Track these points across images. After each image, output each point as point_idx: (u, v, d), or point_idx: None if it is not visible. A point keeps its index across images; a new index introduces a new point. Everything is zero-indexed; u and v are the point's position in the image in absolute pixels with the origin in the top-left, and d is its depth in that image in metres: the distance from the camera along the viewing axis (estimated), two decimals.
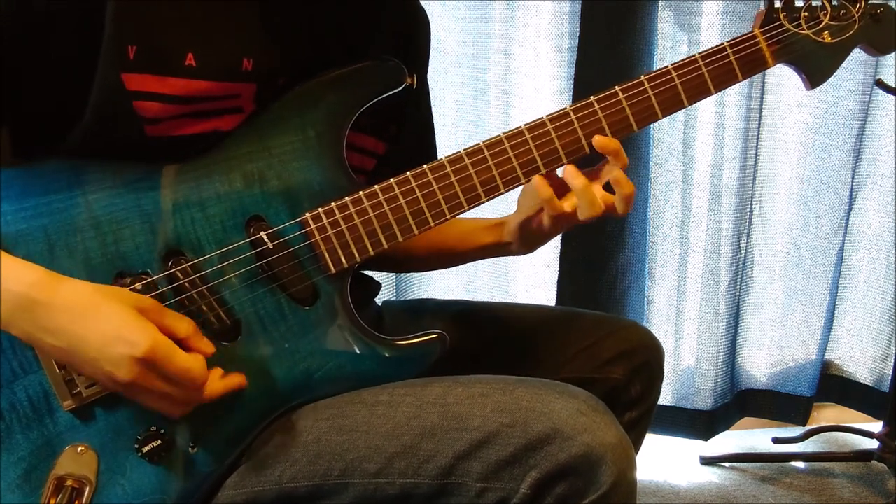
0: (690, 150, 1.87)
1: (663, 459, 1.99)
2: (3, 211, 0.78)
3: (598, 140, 0.92)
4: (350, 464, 0.82)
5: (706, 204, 1.90)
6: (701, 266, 1.94)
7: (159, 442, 0.81)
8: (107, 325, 0.73)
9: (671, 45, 1.82)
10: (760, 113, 1.91)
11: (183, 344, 0.77)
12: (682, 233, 1.92)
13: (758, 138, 1.93)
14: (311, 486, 0.83)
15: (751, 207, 1.97)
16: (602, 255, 1.89)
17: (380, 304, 1.22)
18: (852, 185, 1.99)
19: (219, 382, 0.80)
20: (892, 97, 1.77)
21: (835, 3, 0.99)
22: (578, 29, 1.74)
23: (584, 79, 1.75)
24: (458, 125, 1.79)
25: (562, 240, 1.85)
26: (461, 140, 1.79)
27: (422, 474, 0.81)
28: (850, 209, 2.02)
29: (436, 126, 1.75)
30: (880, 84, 1.71)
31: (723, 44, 0.96)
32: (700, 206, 1.91)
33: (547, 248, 1.84)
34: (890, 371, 2.03)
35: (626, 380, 1.08)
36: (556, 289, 1.87)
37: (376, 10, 1.00)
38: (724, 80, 0.96)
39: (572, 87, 1.77)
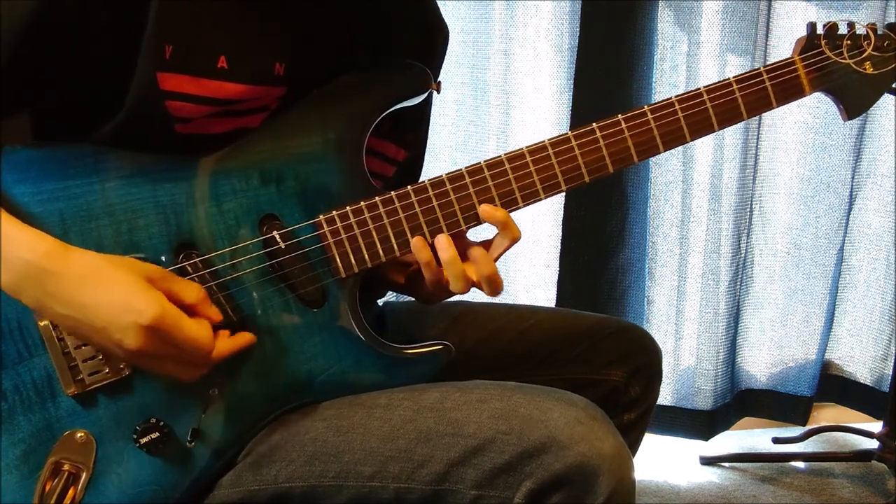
0: (690, 150, 1.87)
1: (663, 459, 1.99)
2: (20, 192, 0.78)
3: (484, 209, 0.88)
4: (345, 466, 0.83)
5: (706, 204, 1.90)
6: (701, 266, 1.93)
7: (158, 434, 0.81)
8: (115, 293, 0.73)
9: (671, 45, 1.82)
10: None
11: (191, 310, 0.78)
12: (682, 233, 1.92)
13: (758, 138, 1.93)
14: (306, 486, 0.84)
15: (751, 207, 1.97)
16: (602, 255, 1.89)
17: (381, 304, 1.22)
18: (852, 185, 1.99)
19: (227, 341, 0.81)
20: (892, 97, 1.77)
21: (880, 32, 0.97)
22: (578, 29, 1.74)
23: (584, 79, 1.75)
24: (458, 125, 1.79)
25: (562, 240, 1.85)
26: (461, 140, 1.79)
27: (416, 479, 0.81)
28: (850, 209, 2.02)
29: (436, 126, 1.76)
30: None
31: (759, 69, 0.94)
32: (700, 206, 1.91)
33: (547, 248, 1.87)
34: (890, 371, 2.03)
35: (626, 381, 1.09)
36: (556, 289, 1.87)
37: (397, 16, 1.00)
38: (757, 106, 0.94)
39: (572, 87, 1.77)
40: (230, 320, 0.84)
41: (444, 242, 0.88)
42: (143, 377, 0.82)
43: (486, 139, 1.80)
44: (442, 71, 1.75)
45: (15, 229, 0.74)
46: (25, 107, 0.81)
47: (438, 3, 1.07)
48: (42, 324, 0.79)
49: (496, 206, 0.89)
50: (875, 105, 2.06)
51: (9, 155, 0.79)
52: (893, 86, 1.02)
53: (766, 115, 1.93)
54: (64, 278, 0.73)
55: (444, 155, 1.79)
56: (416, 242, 0.88)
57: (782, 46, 1.85)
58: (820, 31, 0.97)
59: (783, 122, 1.94)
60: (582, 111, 1.75)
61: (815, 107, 1.92)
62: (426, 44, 1.05)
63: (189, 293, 0.78)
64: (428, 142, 1.14)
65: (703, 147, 1.87)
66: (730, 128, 1.89)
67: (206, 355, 0.78)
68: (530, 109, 1.80)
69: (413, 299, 1.03)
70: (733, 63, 1.82)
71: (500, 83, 1.77)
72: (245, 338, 0.83)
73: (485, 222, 0.90)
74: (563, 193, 1.77)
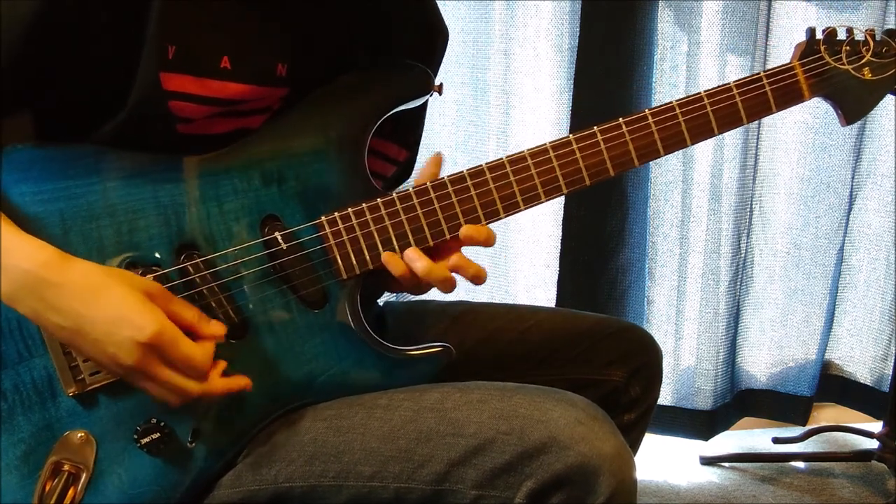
0: (690, 150, 1.87)
1: (663, 459, 1.99)
2: (20, 192, 0.78)
3: (465, 231, 0.88)
4: (345, 466, 0.83)
5: (706, 204, 1.90)
6: (701, 266, 1.93)
7: (159, 434, 0.81)
8: (113, 307, 0.73)
9: (671, 45, 1.82)
10: None
11: (189, 331, 0.77)
12: (682, 233, 1.92)
13: (758, 138, 1.93)
14: (306, 486, 0.84)
15: (751, 207, 1.97)
16: (602, 255, 1.89)
17: (381, 304, 1.22)
18: (852, 185, 1.99)
19: (220, 381, 0.80)
20: (892, 97, 1.77)
21: (878, 38, 0.97)
22: (578, 29, 1.74)
23: (584, 79, 1.75)
24: (458, 125, 1.79)
25: (562, 240, 1.85)
26: (461, 140, 1.79)
27: (416, 479, 0.81)
28: (850, 209, 2.02)
29: (436, 126, 1.76)
30: None
31: (759, 73, 0.95)
32: (700, 206, 1.91)
33: (547, 248, 1.87)
34: (890, 371, 2.03)
35: (626, 381, 1.09)
36: (556, 289, 1.87)
37: (397, 16, 1.00)
38: (757, 110, 0.95)
39: (572, 87, 1.77)
40: (231, 321, 0.84)
41: (413, 255, 0.88)
42: None
43: (486, 139, 1.79)
44: (442, 71, 1.76)
45: (14, 238, 0.74)
46: (26, 107, 0.81)
47: (438, 3, 1.07)
48: None
49: (498, 207, 0.90)
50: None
51: (10, 154, 0.79)
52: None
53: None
54: (62, 289, 0.73)
55: (444, 155, 1.78)
56: (386, 258, 0.88)
57: (782, 47, 1.85)
58: (819, 36, 0.97)
59: (783, 122, 1.94)
60: (582, 111, 1.76)
61: (815, 107, 1.92)
62: (426, 44, 1.05)
63: (187, 313, 0.78)
64: (428, 142, 1.14)
65: (703, 147, 1.87)
66: None
67: (200, 377, 0.77)
68: (530, 109, 1.80)
69: (414, 298, 1.03)
70: (733, 63, 1.82)
71: (500, 83, 1.77)
72: (240, 382, 0.82)
73: (488, 222, 0.90)
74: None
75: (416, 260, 0.87)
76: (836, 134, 1.94)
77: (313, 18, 0.89)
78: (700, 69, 1.80)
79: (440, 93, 0.96)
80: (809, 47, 0.97)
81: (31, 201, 0.79)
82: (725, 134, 1.84)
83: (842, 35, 0.97)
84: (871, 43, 0.97)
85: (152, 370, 0.74)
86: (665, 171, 1.89)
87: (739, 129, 1.87)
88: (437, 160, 0.91)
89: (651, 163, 1.86)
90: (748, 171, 1.92)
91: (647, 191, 1.88)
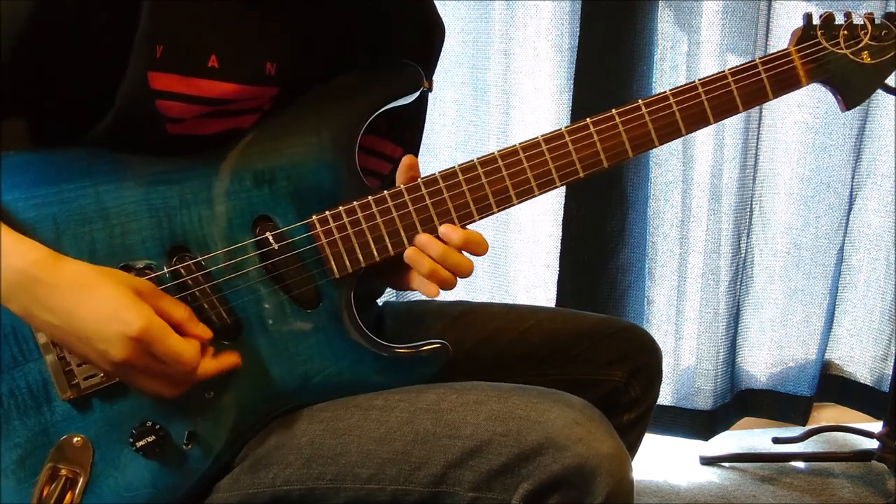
0: (690, 150, 1.87)
1: (663, 459, 1.99)
2: (13, 197, 0.78)
3: (444, 229, 0.88)
4: (342, 468, 0.82)
5: (706, 204, 1.90)
6: (701, 266, 1.93)
7: (154, 437, 0.81)
8: (103, 303, 0.73)
9: (671, 45, 1.82)
10: (760, 113, 1.91)
11: (178, 328, 0.77)
12: (682, 233, 1.92)
13: (758, 138, 1.93)
14: (304, 489, 0.84)
15: (751, 207, 1.97)
16: (602, 255, 1.89)
17: (380, 304, 1.22)
18: (852, 185, 1.99)
19: (212, 361, 0.81)
20: (892, 97, 1.77)
21: (877, 22, 0.96)
22: (578, 29, 1.74)
23: (584, 78, 1.75)
24: (458, 125, 1.79)
25: (562, 240, 1.85)
26: (461, 140, 1.79)
27: (413, 481, 0.80)
28: (850, 209, 2.02)
29: (436, 126, 1.76)
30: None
31: (755, 60, 0.94)
32: (700, 206, 1.91)
33: (547, 248, 1.87)
34: (890, 371, 2.03)
35: (626, 381, 1.08)
36: (556, 289, 1.87)
37: (397, 16, 1.00)
38: (753, 98, 0.94)
39: (572, 87, 1.76)
40: (224, 322, 0.84)
41: (424, 240, 0.87)
42: None
43: (486, 139, 1.79)
44: (442, 71, 1.76)
45: (7, 238, 0.74)
46: (21, 108, 0.81)
47: (438, 3, 1.07)
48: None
49: (491, 202, 0.89)
50: (875, 105, 2.06)
51: (3, 160, 0.79)
52: (892, 85, 1.01)
53: (766, 115, 1.93)
54: (54, 287, 0.73)
55: (444, 155, 1.78)
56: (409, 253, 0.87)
57: (782, 46, 1.84)
58: (816, 21, 0.96)
59: (783, 122, 1.94)
60: (582, 111, 1.75)
61: (815, 107, 1.92)
62: (425, 43, 1.05)
63: (177, 311, 0.78)
64: (428, 142, 1.14)
65: (703, 147, 1.87)
66: (730, 128, 1.91)
67: (190, 372, 0.77)
68: (530, 109, 1.80)
69: (414, 298, 1.03)
70: (733, 63, 1.81)
71: (500, 83, 1.77)
72: (230, 359, 0.83)
73: (478, 219, 0.90)
74: (564, 194, 1.80)
75: (432, 245, 0.87)
76: (836, 134, 1.93)
77: (311, 18, 0.89)
78: (700, 69, 1.80)
79: (430, 89, 0.96)
80: (806, 33, 0.96)
81: (23, 206, 0.79)
82: (725, 134, 1.86)
83: (839, 20, 0.96)
84: (870, 27, 0.96)
85: (142, 365, 0.75)
86: (665, 171, 1.89)
87: (739, 129, 1.87)
88: (410, 163, 0.90)
89: (651, 163, 1.87)
90: (748, 171, 1.92)
91: (647, 191, 1.88)
